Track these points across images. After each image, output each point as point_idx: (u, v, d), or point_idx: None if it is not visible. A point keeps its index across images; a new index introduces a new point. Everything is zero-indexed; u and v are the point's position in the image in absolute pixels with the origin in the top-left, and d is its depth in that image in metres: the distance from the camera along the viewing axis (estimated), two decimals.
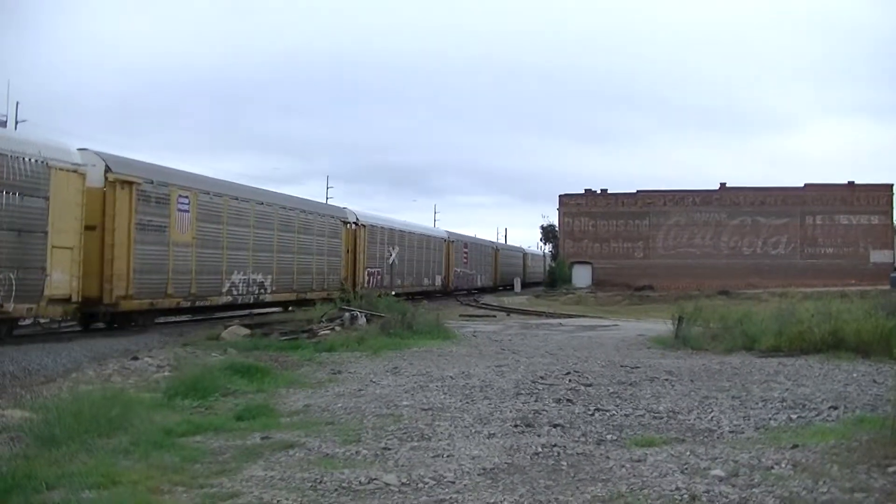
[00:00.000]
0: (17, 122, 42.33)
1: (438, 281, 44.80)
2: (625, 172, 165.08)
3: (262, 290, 24.31)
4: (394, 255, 36.78)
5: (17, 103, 45.05)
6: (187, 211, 20.48)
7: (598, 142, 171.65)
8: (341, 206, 33.63)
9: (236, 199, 23.20)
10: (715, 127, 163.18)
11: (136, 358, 13.54)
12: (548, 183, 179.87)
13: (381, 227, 36.04)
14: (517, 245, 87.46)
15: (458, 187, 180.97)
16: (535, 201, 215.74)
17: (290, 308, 26.33)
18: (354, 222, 32.47)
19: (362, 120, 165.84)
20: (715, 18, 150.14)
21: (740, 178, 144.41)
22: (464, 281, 51.34)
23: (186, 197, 20.52)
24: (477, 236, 61.70)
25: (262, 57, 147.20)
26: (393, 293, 28.79)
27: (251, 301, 23.83)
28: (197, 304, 21.16)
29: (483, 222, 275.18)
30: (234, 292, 22.65)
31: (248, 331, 17.82)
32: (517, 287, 63.09)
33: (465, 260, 51.49)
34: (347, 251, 31.38)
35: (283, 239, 25.77)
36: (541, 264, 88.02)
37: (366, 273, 33.01)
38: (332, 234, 30.16)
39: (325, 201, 53.75)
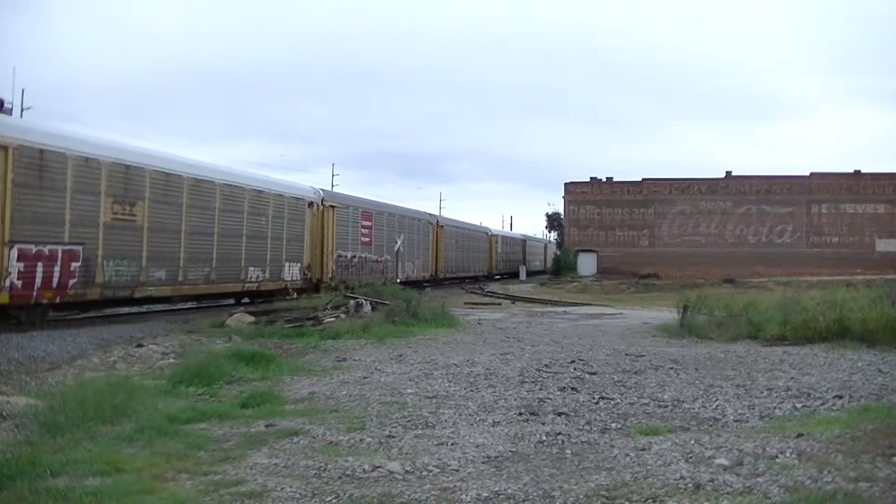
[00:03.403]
0: (22, 110, 42.27)
1: (293, 272, 25.77)
2: (632, 159, 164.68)
3: None
4: (137, 218, 18.02)
5: (23, 90, 44.95)
6: None
7: (607, 128, 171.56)
8: None
9: None
10: (723, 114, 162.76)
11: (140, 345, 13.56)
12: (556, 170, 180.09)
13: (109, 163, 17.29)
14: (480, 224, 62.28)
15: (468, 174, 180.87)
16: (543, 189, 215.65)
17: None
18: None
19: (373, 107, 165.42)
20: (723, 4, 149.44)
21: (747, 165, 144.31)
22: (361, 270, 31.24)
23: None
24: (411, 207, 42.15)
25: (272, 43, 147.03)
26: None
27: None
28: None
29: (491, 210, 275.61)
30: None
31: (252, 318, 17.85)
32: (521, 275, 63.04)
33: (365, 239, 32.27)
34: None
35: None
36: (519, 250, 70.76)
37: (32, 254, 15.24)
38: None
39: (331, 189, 52.24)
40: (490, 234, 60.09)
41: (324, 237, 28.12)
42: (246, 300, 24.43)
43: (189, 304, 22.90)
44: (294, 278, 25.82)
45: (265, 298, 24.41)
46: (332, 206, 28.95)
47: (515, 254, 68.77)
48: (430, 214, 43.93)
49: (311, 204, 27.29)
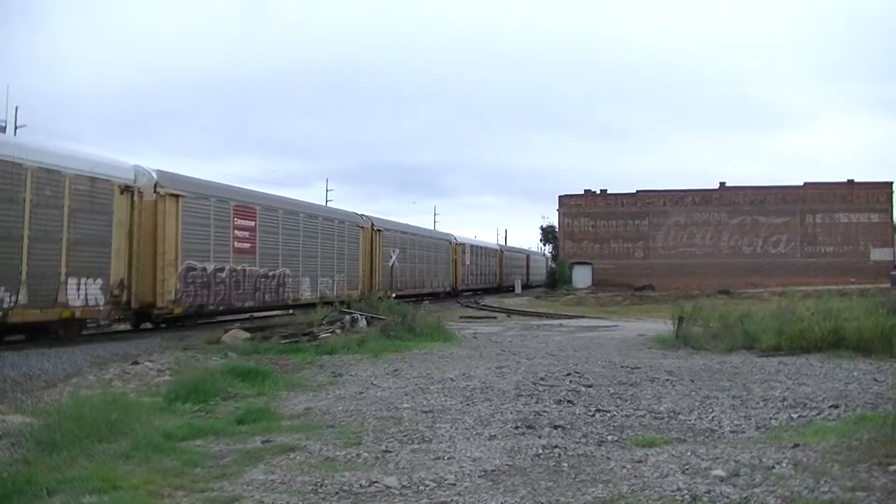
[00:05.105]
0: (16, 127, 42.28)
1: (90, 293, 16.78)
2: (627, 170, 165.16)
3: None
4: None
5: (17, 108, 44.84)
6: None
7: (602, 139, 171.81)
8: None
9: None
10: (718, 123, 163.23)
11: (136, 362, 13.53)
12: (551, 183, 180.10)
13: None
14: (441, 231, 53.27)
15: (464, 188, 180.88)
16: (539, 202, 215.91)
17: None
18: None
19: (368, 121, 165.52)
20: (718, 14, 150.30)
21: (741, 175, 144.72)
22: (236, 289, 22.65)
23: None
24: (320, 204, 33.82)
25: (269, 58, 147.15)
26: None
27: None
28: None
29: (487, 224, 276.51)
30: None
31: (248, 334, 17.83)
32: (517, 288, 63.00)
33: (244, 244, 23.24)
34: None
35: None
36: (494, 262, 62.64)
37: None
38: None
39: (325, 203, 51.25)
40: (454, 242, 50.17)
41: (157, 240, 19.17)
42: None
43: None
44: (92, 302, 16.85)
45: (28, 336, 16.27)
46: (176, 196, 19.79)
47: (489, 266, 60.44)
48: (360, 216, 34.46)
49: (126, 189, 17.94)
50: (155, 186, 19.29)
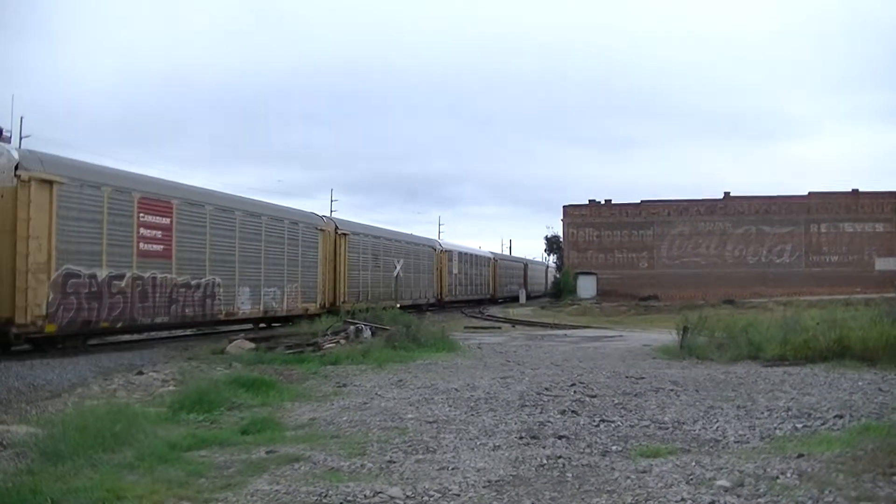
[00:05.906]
0: (21, 138, 42.42)
1: None
2: (632, 181, 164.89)
3: None
4: None
5: (22, 118, 45.02)
6: None
7: (607, 150, 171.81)
8: None
9: None
10: (723, 134, 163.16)
11: (141, 373, 13.55)
12: (556, 193, 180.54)
13: None
14: (423, 236, 47.26)
15: (469, 198, 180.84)
16: (544, 212, 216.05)
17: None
18: None
19: (373, 131, 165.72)
20: (722, 25, 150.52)
21: (746, 185, 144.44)
22: (143, 301, 18.41)
23: None
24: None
25: (275, 68, 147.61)
26: None
27: None
28: None
29: (492, 233, 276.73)
30: None
31: (252, 344, 17.84)
32: (522, 298, 62.92)
33: (155, 246, 19.05)
34: None
35: None
36: (487, 272, 57.08)
37: None
38: None
39: (329, 214, 50.93)
40: (439, 249, 45.39)
41: (19, 238, 15.04)
42: None
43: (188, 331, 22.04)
44: None
45: None
46: (49, 181, 15.57)
47: (481, 276, 55.55)
48: (321, 217, 30.46)
49: None
50: (16, 169, 15.06)
